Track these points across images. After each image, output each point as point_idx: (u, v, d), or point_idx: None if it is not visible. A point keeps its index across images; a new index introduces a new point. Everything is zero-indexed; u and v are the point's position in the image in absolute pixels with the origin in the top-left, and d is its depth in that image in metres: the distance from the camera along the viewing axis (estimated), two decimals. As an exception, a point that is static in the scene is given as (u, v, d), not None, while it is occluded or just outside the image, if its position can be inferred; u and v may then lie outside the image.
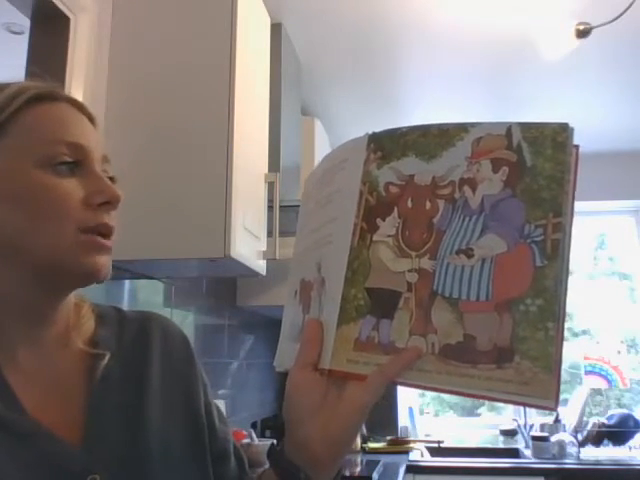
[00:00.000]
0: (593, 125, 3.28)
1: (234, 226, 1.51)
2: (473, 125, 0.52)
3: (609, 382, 3.33)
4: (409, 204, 0.53)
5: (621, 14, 2.16)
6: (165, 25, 1.65)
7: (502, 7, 2.30)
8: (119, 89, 1.61)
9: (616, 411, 3.21)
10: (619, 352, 3.41)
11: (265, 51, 1.92)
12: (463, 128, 0.52)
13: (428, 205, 0.52)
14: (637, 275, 3.82)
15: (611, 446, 3.03)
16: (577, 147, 0.49)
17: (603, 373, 3.33)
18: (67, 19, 1.52)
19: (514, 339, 0.46)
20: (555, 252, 0.47)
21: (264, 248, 1.79)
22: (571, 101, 3.06)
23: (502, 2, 2.28)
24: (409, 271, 0.51)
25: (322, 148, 2.95)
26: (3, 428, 0.55)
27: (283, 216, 1.86)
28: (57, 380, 0.62)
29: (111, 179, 0.65)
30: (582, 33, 2.34)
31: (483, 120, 0.52)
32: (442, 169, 0.52)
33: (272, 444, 0.69)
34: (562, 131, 0.49)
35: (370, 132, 0.57)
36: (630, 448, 2.98)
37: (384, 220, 0.54)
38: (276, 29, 2.31)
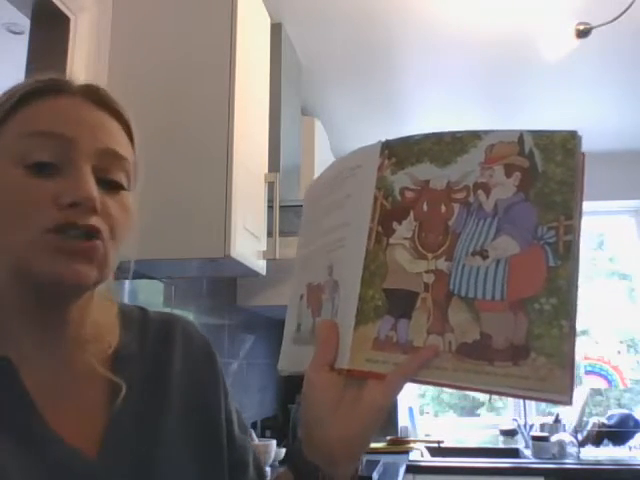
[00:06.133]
0: (593, 125, 3.28)
1: (234, 226, 1.51)
2: (486, 132, 0.54)
3: (609, 382, 3.33)
4: (425, 208, 0.54)
5: (621, 14, 2.16)
6: (165, 25, 1.65)
7: (502, 7, 2.30)
8: (119, 89, 1.60)
9: (616, 411, 3.20)
10: (619, 352, 3.41)
11: (265, 51, 1.92)
12: (476, 135, 0.54)
13: (443, 209, 0.54)
14: (637, 275, 3.82)
15: (611, 446, 3.03)
16: (583, 154, 0.51)
17: (603, 373, 3.33)
18: (67, 19, 1.52)
19: (529, 337, 0.48)
20: (567, 253, 0.50)
21: (264, 248, 1.79)
22: (571, 101, 3.06)
23: (502, 2, 2.28)
24: (426, 272, 0.53)
25: (322, 148, 2.95)
26: (19, 436, 0.54)
27: (283, 216, 1.86)
28: (75, 386, 0.60)
29: (111, 183, 0.59)
30: (582, 33, 2.34)
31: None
32: (456, 174, 0.54)
33: (290, 446, 0.68)
34: (571, 138, 0.51)
35: (384, 139, 0.58)
36: (630, 448, 2.98)
37: (400, 224, 0.55)
38: (276, 29, 2.31)
